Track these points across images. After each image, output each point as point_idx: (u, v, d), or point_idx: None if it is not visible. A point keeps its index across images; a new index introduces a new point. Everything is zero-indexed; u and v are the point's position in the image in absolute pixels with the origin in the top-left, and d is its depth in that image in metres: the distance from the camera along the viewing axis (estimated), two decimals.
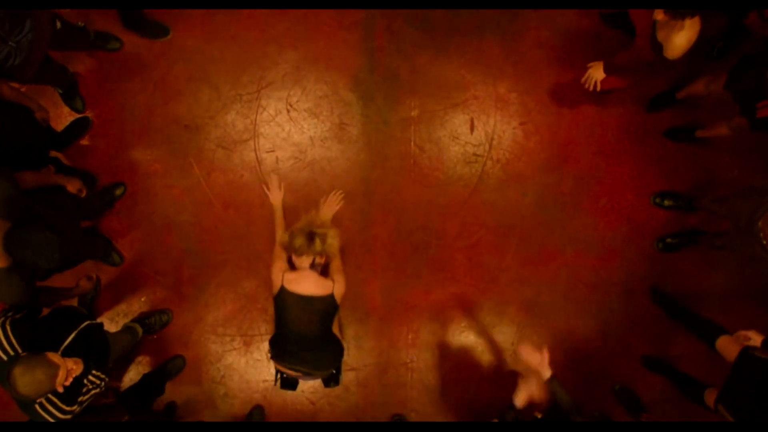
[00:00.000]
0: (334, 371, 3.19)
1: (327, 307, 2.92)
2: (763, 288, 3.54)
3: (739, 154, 3.58)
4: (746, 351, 2.76)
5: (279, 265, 2.95)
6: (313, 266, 2.93)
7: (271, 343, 3.01)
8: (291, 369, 2.96)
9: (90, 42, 3.34)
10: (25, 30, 2.44)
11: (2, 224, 2.29)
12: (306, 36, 3.54)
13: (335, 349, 3.03)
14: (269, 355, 3.09)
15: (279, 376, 3.24)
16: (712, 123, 3.43)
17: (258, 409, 3.57)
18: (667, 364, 3.54)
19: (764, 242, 2.73)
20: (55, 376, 2.26)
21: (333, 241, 2.83)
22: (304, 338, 2.91)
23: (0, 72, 2.50)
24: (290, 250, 2.86)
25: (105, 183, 3.49)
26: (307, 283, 2.88)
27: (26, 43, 2.47)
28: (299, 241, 2.80)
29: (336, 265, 3.02)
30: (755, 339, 2.78)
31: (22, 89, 2.74)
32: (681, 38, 2.53)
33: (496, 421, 3.11)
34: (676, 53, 2.59)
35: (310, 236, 2.79)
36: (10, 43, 2.39)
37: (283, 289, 2.88)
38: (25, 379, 2.19)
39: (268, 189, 3.46)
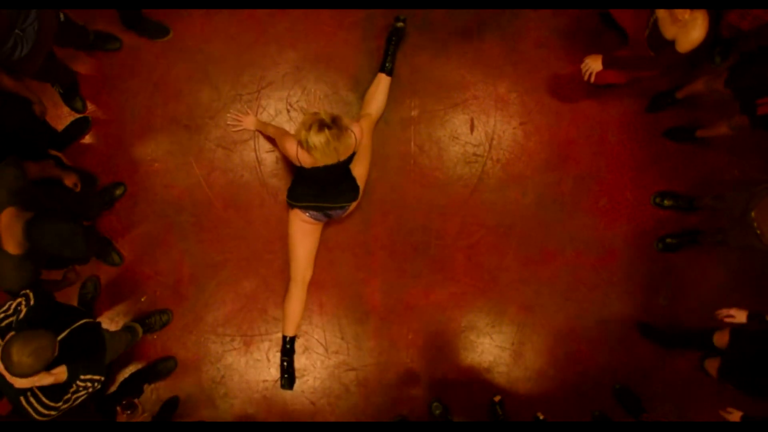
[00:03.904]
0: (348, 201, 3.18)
1: (349, 162, 3.01)
2: (762, 283, 3.54)
3: (739, 154, 3.58)
4: (735, 330, 2.93)
5: (290, 141, 2.90)
6: None
7: (290, 191, 3.16)
8: (312, 207, 3.13)
9: (89, 42, 3.34)
10: (30, 18, 2.45)
11: (19, 212, 2.30)
12: (306, 36, 3.54)
13: (352, 184, 3.13)
14: (288, 201, 3.18)
15: (283, 376, 3.34)
16: (712, 122, 3.43)
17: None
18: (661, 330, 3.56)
19: (758, 232, 2.75)
20: (54, 342, 2.27)
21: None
22: (325, 182, 3.05)
23: (7, 64, 2.50)
24: (307, 149, 2.78)
25: (105, 183, 3.49)
26: (329, 158, 2.85)
27: (32, 32, 2.48)
28: (318, 138, 2.69)
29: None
30: (738, 316, 2.81)
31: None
32: (696, 32, 2.55)
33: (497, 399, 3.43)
34: (689, 46, 2.60)
35: (331, 125, 2.68)
36: (16, 30, 2.40)
37: (302, 167, 2.95)
38: (29, 349, 2.17)
39: (240, 121, 3.47)
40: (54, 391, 2.41)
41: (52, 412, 2.43)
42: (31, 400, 2.37)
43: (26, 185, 2.41)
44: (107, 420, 2.98)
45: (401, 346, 3.62)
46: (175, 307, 3.57)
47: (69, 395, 2.46)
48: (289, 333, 3.40)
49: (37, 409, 2.39)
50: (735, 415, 2.81)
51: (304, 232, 3.27)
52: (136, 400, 2.81)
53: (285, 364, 3.40)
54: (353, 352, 3.61)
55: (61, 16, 2.81)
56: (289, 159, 3.02)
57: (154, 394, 3.56)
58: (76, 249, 2.29)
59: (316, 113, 2.74)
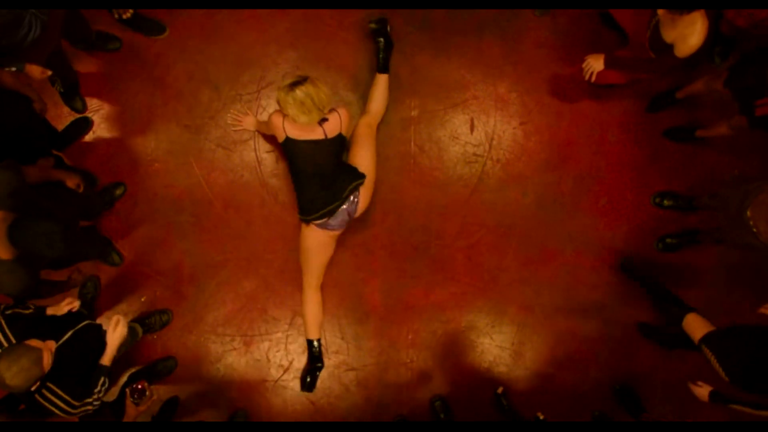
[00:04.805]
0: None
1: (338, 145, 3.06)
2: (763, 282, 3.54)
3: (739, 154, 3.58)
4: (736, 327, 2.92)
5: (275, 115, 2.98)
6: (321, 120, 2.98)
7: (300, 207, 3.14)
8: (326, 213, 3.09)
9: (92, 40, 3.34)
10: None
11: (7, 216, 2.31)
12: (306, 36, 3.54)
13: (353, 172, 3.15)
14: (302, 218, 3.16)
15: (306, 378, 3.39)
16: (712, 122, 3.43)
17: (242, 411, 3.57)
18: (649, 277, 3.54)
19: (755, 230, 2.73)
20: (40, 359, 2.27)
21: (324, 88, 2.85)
22: (322, 178, 3.05)
23: (21, 48, 2.52)
24: (291, 118, 2.89)
25: (105, 183, 3.49)
26: (315, 132, 2.96)
27: (44, 13, 2.52)
28: (294, 103, 2.81)
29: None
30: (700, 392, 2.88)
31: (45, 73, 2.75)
32: (695, 38, 2.54)
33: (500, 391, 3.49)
34: (688, 51, 2.60)
35: (301, 86, 2.79)
36: (30, 9, 2.43)
37: (288, 138, 2.98)
38: (12, 371, 2.19)
39: (240, 122, 3.50)
40: (80, 389, 2.48)
41: (74, 411, 2.49)
42: (50, 396, 2.42)
43: (20, 189, 2.41)
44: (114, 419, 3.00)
45: (401, 346, 3.62)
46: (175, 307, 3.57)
47: (91, 398, 2.54)
48: (314, 336, 3.39)
49: (58, 404, 2.44)
50: (704, 389, 2.85)
51: (323, 243, 3.22)
52: (145, 384, 2.79)
53: (317, 373, 3.40)
54: (353, 352, 3.61)
55: None
56: (278, 138, 3.02)
57: (154, 394, 3.55)
58: (56, 248, 2.29)
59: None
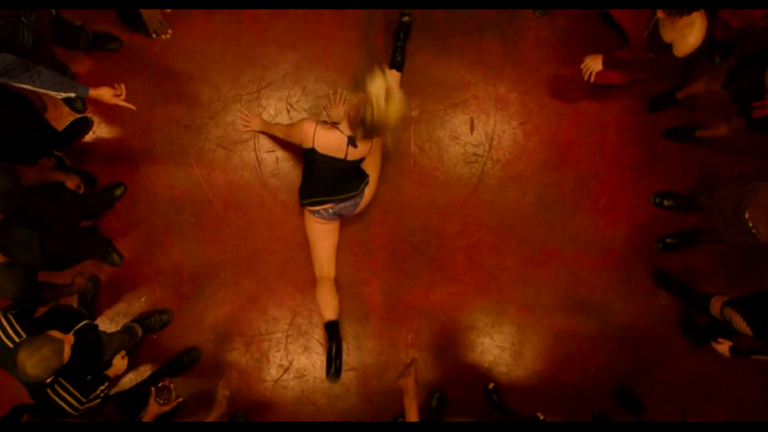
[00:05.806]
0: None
1: (355, 167, 3.11)
2: (762, 282, 3.54)
3: (739, 154, 3.58)
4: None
5: (308, 123, 2.96)
6: (351, 143, 2.94)
7: (299, 191, 3.23)
8: (317, 203, 3.15)
9: (87, 42, 3.34)
10: (29, 10, 2.54)
11: None
12: (306, 36, 3.54)
13: (360, 176, 3.17)
14: (300, 202, 3.23)
15: (329, 369, 3.29)
16: (711, 123, 3.44)
17: (242, 411, 3.56)
18: (677, 280, 3.56)
19: (754, 231, 2.73)
20: (61, 350, 2.28)
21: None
22: (332, 179, 3.10)
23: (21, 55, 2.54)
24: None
25: (105, 183, 3.49)
26: (340, 150, 2.96)
27: (33, 21, 2.55)
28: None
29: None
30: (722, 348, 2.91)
31: None
32: (694, 37, 2.55)
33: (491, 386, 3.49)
34: (687, 51, 2.60)
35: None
36: (22, 18, 2.47)
37: (313, 149, 2.97)
38: (33, 360, 2.20)
39: (247, 123, 3.51)
40: (87, 386, 2.52)
41: (80, 406, 2.52)
42: (61, 392, 2.46)
43: (13, 191, 2.41)
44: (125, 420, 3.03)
45: (401, 346, 3.62)
46: (175, 307, 3.57)
47: (94, 392, 2.57)
48: (330, 317, 3.30)
49: (69, 400, 2.48)
50: (725, 345, 2.87)
51: (319, 231, 3.28)
52: (171, 384, 2.79)
53: (332, 352, 3.25)
54: (353, 352, 3.61)
55: (53, 11, 2.85)
56: (303, 144, 2.99)
57: (180, 396, 3.54)
58: (34, 256, 2.28)
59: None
